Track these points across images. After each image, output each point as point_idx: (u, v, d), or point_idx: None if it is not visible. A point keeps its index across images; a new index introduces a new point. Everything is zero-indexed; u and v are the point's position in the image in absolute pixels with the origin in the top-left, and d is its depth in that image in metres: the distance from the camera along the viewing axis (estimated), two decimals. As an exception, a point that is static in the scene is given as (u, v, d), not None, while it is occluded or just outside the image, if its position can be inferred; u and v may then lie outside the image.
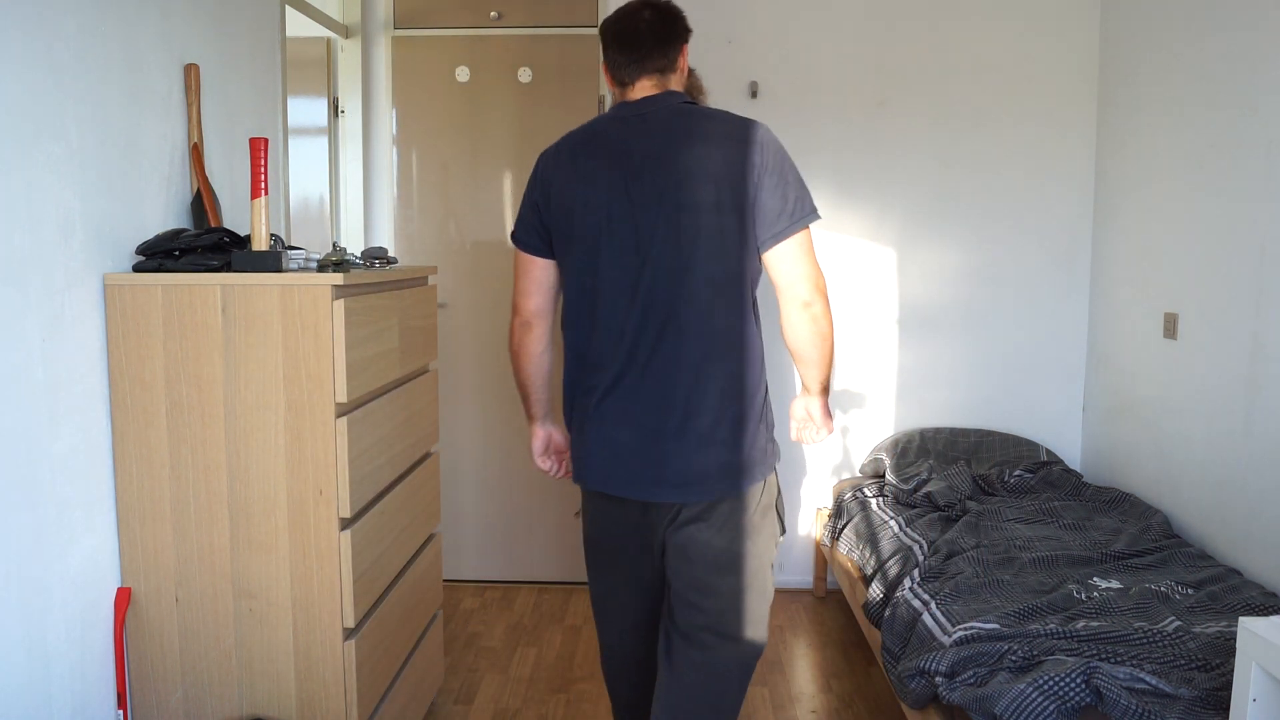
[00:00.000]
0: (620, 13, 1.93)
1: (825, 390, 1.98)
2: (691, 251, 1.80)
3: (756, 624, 1.91)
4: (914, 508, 2.97)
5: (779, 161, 1.83)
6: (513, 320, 2.01)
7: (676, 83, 1.95)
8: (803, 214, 1.82)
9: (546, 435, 2.10)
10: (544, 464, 2.12)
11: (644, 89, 1.91)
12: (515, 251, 1.98)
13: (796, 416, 2.05)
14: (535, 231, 1.93)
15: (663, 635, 1.94)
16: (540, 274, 1.95)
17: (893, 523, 2.86)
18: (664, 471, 1.83)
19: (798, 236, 1.82)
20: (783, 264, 1.83)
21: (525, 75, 3.49)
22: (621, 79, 1.93)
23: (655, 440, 1.82)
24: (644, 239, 1.81)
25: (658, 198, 1.81)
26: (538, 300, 1.97)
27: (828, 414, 2.02)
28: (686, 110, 1.88)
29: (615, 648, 2.07)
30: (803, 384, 2.00)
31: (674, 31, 1.91)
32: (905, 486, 3.08)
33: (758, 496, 1.89)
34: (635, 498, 1.86)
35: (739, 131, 1.83)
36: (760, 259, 1.86)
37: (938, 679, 1.95)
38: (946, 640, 2.04)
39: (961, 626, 2.05)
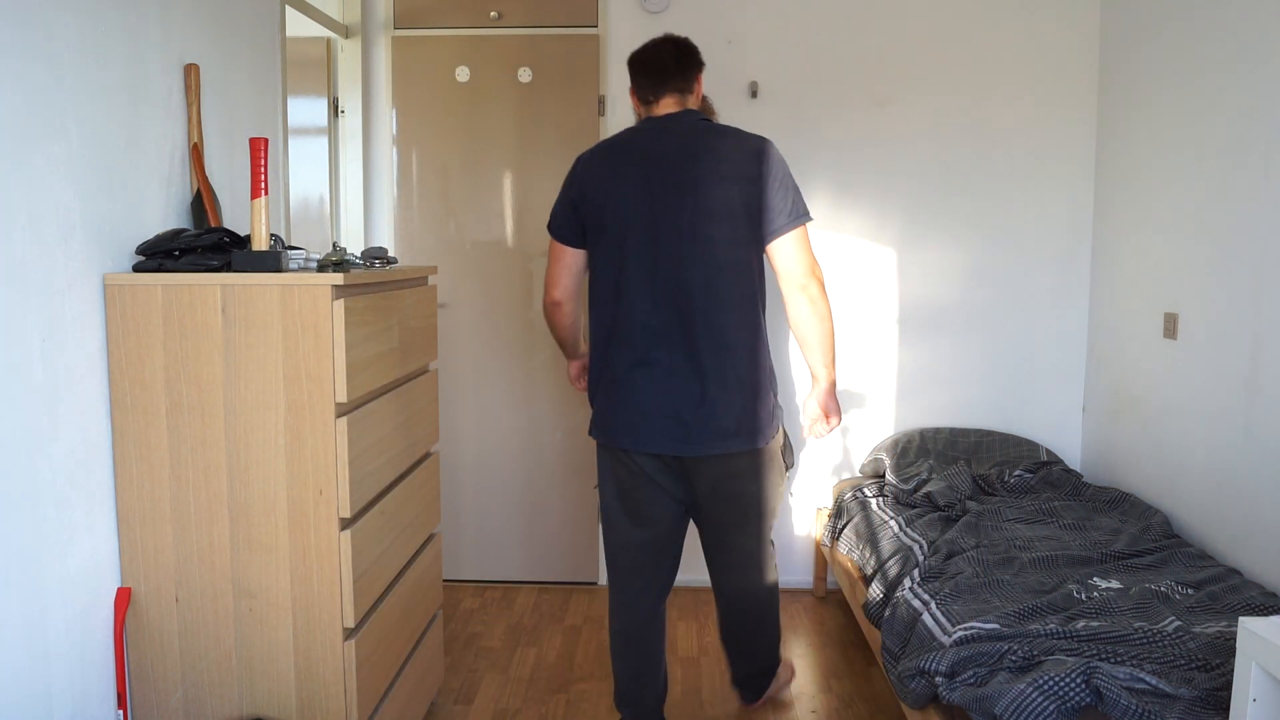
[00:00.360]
0: (646, 45, 2.32)
1: (833, 382, 2.33)
2: (708, 244, 2.15)
3: (768, 531, 2.39)
4: (914, 508, 2.98)
5: (781, 171, 2.20)
6: (545, 299, 2.40)
7: (693, 104, 2.31)
8: (799, 214, 2.20)
9: (582, 362, 2.54)
10: (580, 384, 2.55)
11: (667, 106, 2.27)
12: (550, 240, 2.33)
13: (809, 413, 2.39)
14: (570, 224, 2.28)
15: (708, 551, 2.41)
16: (571, 261, 2.32)
17: (893, 523, 2.86)
18: (693, 431, 2.18)
19: (796, 231, 2.19)
20: (784, 253, 2.20)
21: (525, 75, 3.49)
22: (646, 98, 2.29)
23: (685, 405, 2.17)
24: (666, 232, 2.16)
25: (679, 197, 2.15)
26: (566, 283, 2.35)
27: (835, 404, 2.36)
28: (704, 125, 2.23)
29: (624, 610, 2.38)
30: (811, 374, 2.34)
31: (691, 61, 2.29)
32: (905, 486, 3.08)
33: (769, 448, 2.29)
34: (672, 454, 2.20)
35: (749, 145, 2.19)
36: (765, 252, 2.22)
37: (938, 679, 1.95)
38: (946, 640, 2.04)
39: (961, 626, 2.05)
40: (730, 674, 2.65)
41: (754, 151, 2.17)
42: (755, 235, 2.18)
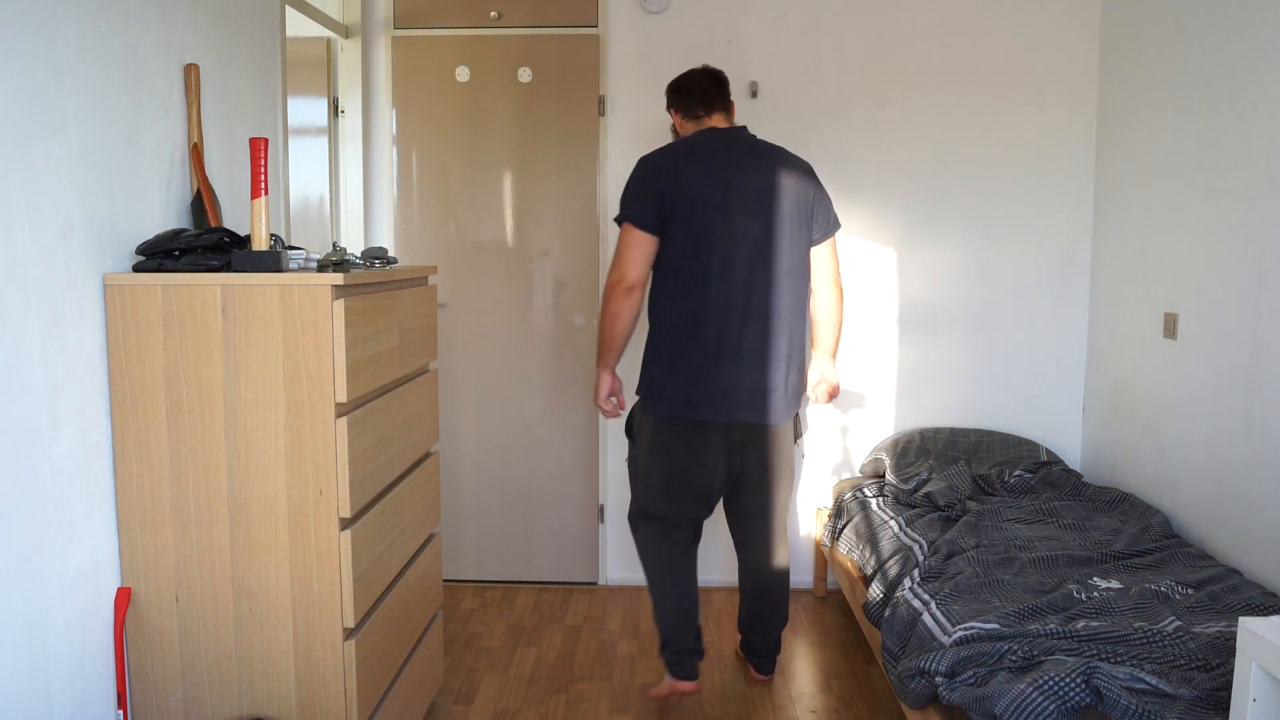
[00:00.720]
0: (688, 75, 2.70)
1: (835, 354, 2.80)
2: (777, 241, 2.53)
3: (789, 490, 2.76)
4: (914, 508, 2.97)
5: (822, 187, 2.66)
6: (616, 288, 2.53)
7: (733, 121, 2.69)
8: (836, 224, 2.69)
9: (613, 381, 2.66)
10: (608, 406, 2.68)
11: (717, 121, 2.65)
12: (626, 230, 2.51)
13: (812, 380, 2.77)
14: (654, 215, 2.49)
15: (734, 516, 2.73)
16: (650, 249, 2.52)
17: (893, 523, 2.86)
18: (763, 402, 2.53)
19: (833, 239, 2.69)
20: (823, 255, 2.67)
21: (525, 75, 3.49)
22: (697, 114, 2.66)
23: (759, 382, 2.52)
24: (745, 228, 2.49)
25: (756, 199, 2.51)
26: (643, 270, 2.53)
27: (836, 373, 2.78)
28: (759, 141, 2.62)
29: (670, 547, 2.63)
30: (820, 347, 2.76)
31: (726, 86, 2.70)
32: (905, 486, 3.08)
33: (798, 415, 2.73)
34: (749, 421, 2.54)
35: (801, 165, 2.62)
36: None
37: (938, 679, 1.95)
38: (946, 640, 2.04)
39: (961, 626, 2.05)
40: (745, 647, 2.88)
41: (805, 169, 2.61)
42: (806, 238, 2.60)
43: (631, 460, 2.68)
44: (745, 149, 2.57)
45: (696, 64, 3.37)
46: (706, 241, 2.48)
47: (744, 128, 2.64)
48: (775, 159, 2.59)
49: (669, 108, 2.74)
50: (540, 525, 3.64)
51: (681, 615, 2.63)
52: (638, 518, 2.67)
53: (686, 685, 2.63)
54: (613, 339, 2.57)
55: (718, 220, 2.48)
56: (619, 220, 2.54)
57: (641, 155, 2.62)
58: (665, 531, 2.64)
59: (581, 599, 3.51)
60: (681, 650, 2.62)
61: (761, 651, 2.83)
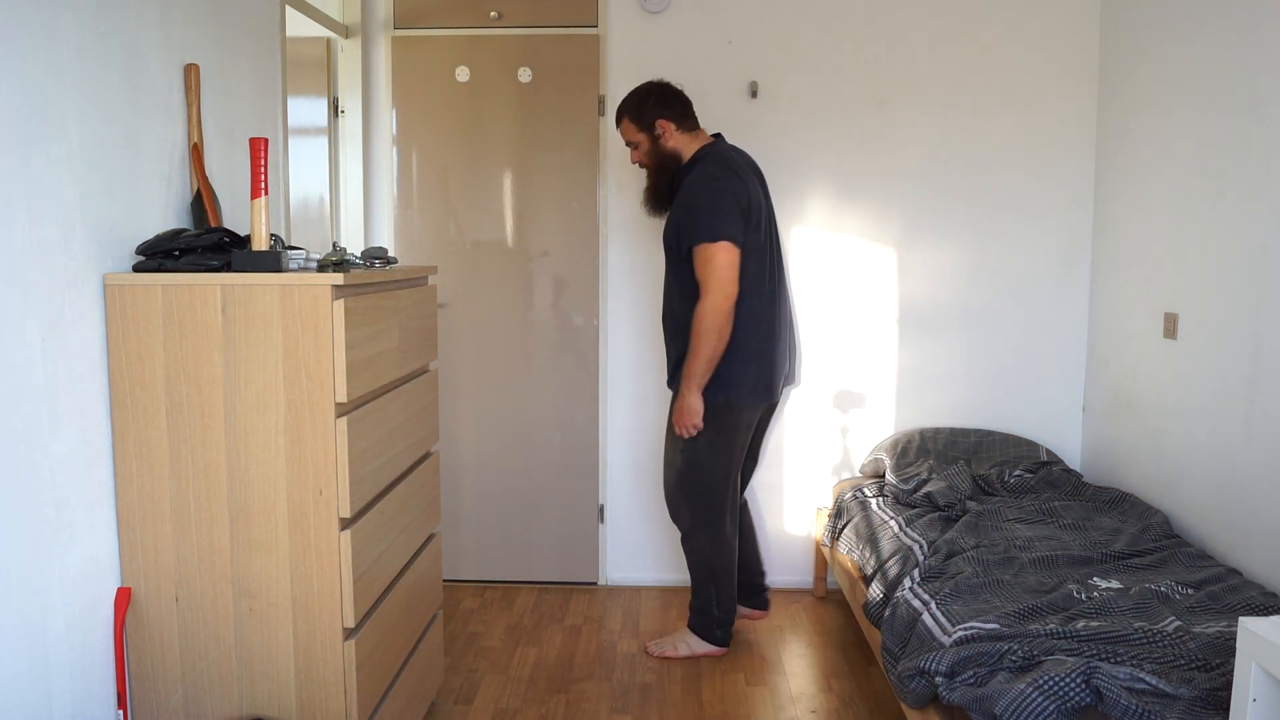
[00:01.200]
0: (662, 86, 2.85)
1: None
2: (780, 240, 2.93)
3: None
4: (914, 508, 2.97)
5: None
6: (724, 305, 2.67)
7: None
8: None
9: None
10: (701, 424, 2.78)
11: (705, 135, 2.90)
12: (724, 249, 2.65)
13: None
14: (742, 230, 2.69)
15: (745, 467, 3.05)
16: (739, 261, 2.70)
17: (893, 523, 2.86)
18: (787, 380, 2.98)
19: None
20: None
21: (525, 75, 3.49)
22: (691, 125, 2.87)
23: (789, 359, 2.96)
24: (772, 234, 2.87)
25: (769, 208, 2.88)
26: (738, 284, 2.70)
27: None
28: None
29: (730, 505, 2.90)
30: None
31: None
32: (905, 486, 3.08)
33: None
34: (779, 397, 2.94)
35: None
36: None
37: (938, 679, 1.95)
38: (946, 640, 2.04)
39: (961, 626, 2.05)
40: (749, 595, 3.15)
41: None
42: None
43: (704, 458, 2.82)
44: (743, 156, 2.89)
45: (697, 64, 3.41)
46: (765, 247, 2.80)
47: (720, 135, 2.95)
48: (757, 167, 2.94)
49: (655, 120, 2.80)
50: (540, 525, 3.64)
51: (734, 595, 3.01)
52: (719, 513, 2.86)
53: (724, 650, 3.03)
54: (718, 356, 2.72)
55: (764, 228, 2.79)
56: (708, 240, 2.64)
57: (703, 177, 2.72)
58: (734, 511, 2.92)
59: (581, 599, 3.51)
60: (731, 625, 3.01)
61: (762, 584, 3.17)
